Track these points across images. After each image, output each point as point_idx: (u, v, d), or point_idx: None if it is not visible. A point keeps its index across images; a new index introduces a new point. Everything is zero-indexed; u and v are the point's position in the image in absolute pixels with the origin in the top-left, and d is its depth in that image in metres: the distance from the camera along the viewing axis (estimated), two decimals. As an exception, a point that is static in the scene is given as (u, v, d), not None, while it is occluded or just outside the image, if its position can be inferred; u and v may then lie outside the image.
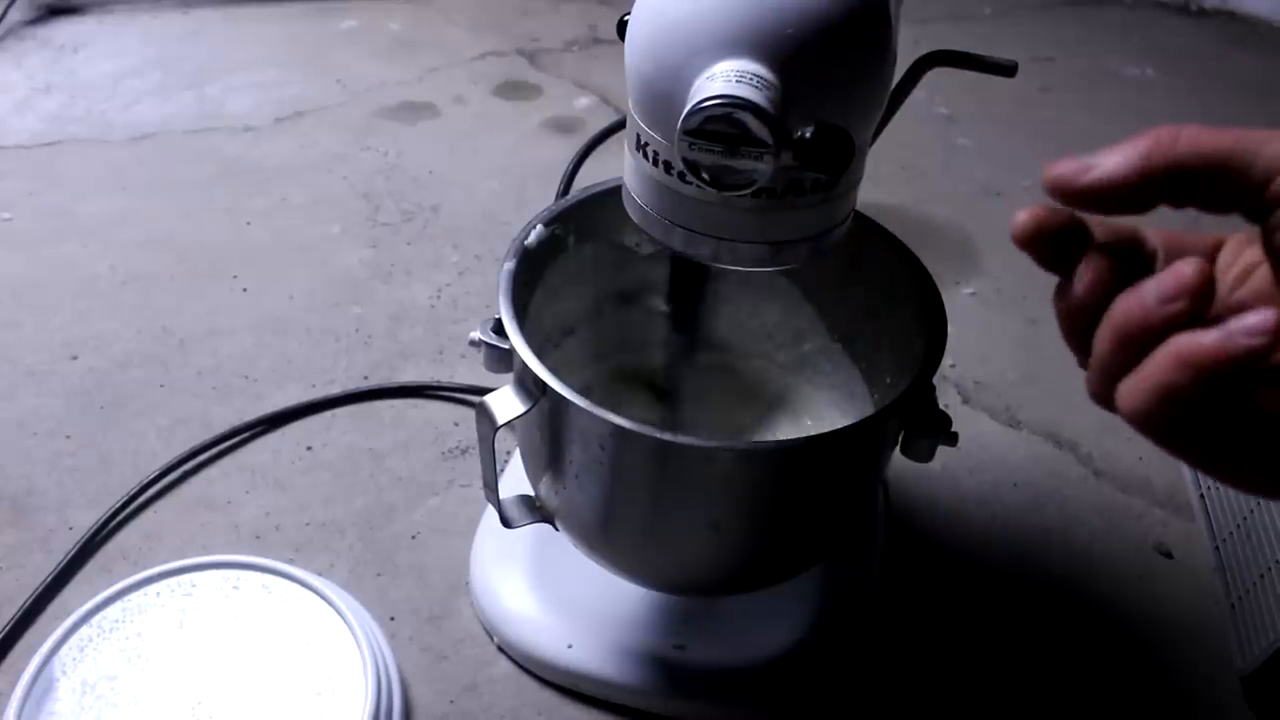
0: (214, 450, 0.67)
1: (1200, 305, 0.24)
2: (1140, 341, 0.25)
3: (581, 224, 0.54)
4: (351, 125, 1.03)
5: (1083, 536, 0.67)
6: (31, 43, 1.13)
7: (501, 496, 0.50)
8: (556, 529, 0.52)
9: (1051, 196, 0.27)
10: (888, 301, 0.52)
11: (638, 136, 0.40)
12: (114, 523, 0.62)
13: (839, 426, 0.44)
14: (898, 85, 0.74)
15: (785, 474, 0.45)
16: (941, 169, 1.04)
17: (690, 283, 0.56)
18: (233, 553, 0.57)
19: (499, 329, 0.47)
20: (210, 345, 0.75)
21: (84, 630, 0.52)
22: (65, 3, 1.19)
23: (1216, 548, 0.65)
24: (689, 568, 0.51)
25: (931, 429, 0.46)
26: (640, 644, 0.55)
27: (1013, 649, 0.60)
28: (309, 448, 0.68)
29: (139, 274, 0.82)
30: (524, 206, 0.93)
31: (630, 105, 0.40)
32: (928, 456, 0.47)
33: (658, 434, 0.42)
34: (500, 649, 0.57)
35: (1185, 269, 0.24)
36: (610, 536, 0.50)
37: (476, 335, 0.48)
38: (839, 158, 0.35)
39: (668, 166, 0.39)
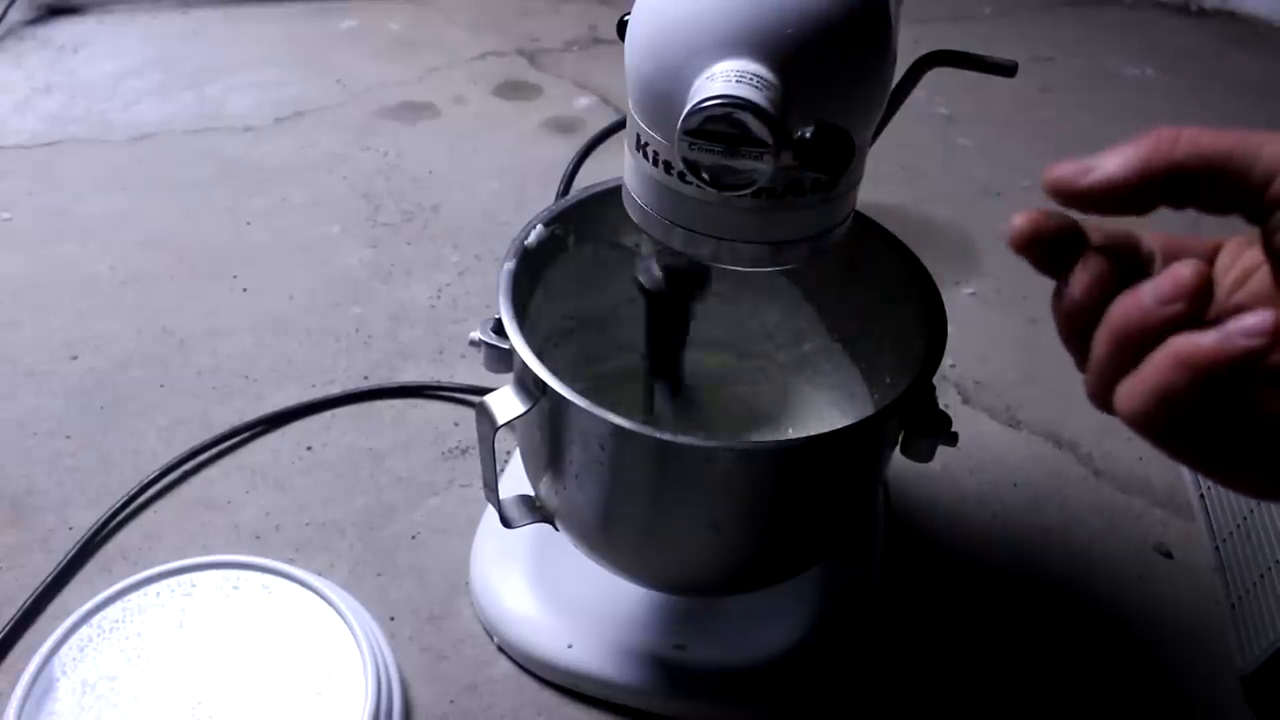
0: (214, 450, 0.67)
1: (1198, 307, 0.24)
2: (1138, 343, 0.25)
3: (581, 224, 0.54)
4: (351, 125, 1.03)
5: (1083, 536, 0.67)
6: (31, 43, 1.13)
7: (501, 496, 0.50)
8: (556, 529, 0.52)
9: (1052, 198, 0.27)
10: (888, 301, 0.52)
11: (638, 136, 0.40)
12: (114, 523, 0.62)
13: (839, 426, 0.44)
14: (898, 85, 0.74)
15: (785, 474, 0.45)
16: (941, 169, 1.04)
17: (669, 331, 0.50)
18: (233, 553, 0.57)
19: (499, 329, 0.47)
20: (210, 345, 0.75)
21: (84, 630, 0.52)
22: (65, 3, 1.19)
23: (1216, 548, 0.65)
24: (689, 568, 0.51)
25: (931, 429, 0.46)
26: (640, 644, 0.55)
27: (1013, 649, 0.60)
28: (309, 448, 0.68)
29: (139, 274, 0.82)
30: (524, 206, 0.93)
31: (630, 105, 0.40)
32: (928, 456, 0.47)
33: (658, 434, 0.42)
34: (500, 649, 0.57)
35: (1183, 271, 0.24)
36: (610, 536, 0.50)
37: (476, 335, 0.48)
38: (839, 158, 0.35)
39: (668, 166, 0.39)
